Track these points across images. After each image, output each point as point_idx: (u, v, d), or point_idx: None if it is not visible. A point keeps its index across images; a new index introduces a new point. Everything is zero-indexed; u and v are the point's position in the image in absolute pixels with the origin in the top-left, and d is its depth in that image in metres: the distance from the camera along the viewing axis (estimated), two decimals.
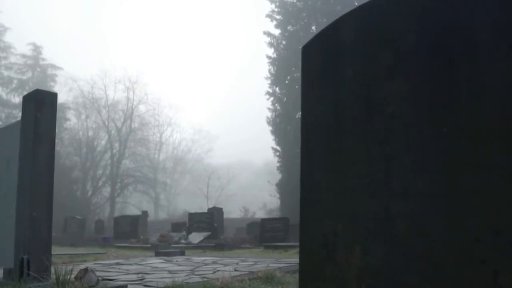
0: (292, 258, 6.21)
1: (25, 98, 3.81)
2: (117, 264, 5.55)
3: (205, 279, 3.62)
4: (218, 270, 4.44)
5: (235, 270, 4.36)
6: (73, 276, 3.01)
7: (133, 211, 30.42)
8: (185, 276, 4.02)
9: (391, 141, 1.32)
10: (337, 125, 1.50)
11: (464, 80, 1.14)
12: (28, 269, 3.11)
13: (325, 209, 1.52)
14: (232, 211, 28.97)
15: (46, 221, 3.50)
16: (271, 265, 4.88)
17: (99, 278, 3.24)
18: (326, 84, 1.57)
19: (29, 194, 3.55)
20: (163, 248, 9.51)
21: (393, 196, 1.30)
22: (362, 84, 1.42)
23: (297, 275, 4.16)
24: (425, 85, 1.23)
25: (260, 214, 28.23)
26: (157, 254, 7.27)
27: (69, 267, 3.17)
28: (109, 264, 5.48)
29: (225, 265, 5.09)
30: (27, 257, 3.16)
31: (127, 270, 4.74)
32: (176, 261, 5.81)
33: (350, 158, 1.44)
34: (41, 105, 3.63)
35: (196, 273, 4.29)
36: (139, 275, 4.16)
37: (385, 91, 1.34)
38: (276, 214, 24.99)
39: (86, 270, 3.08)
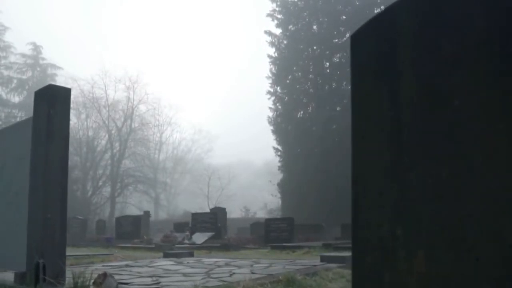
0: (305, 260, 6.09)
1: (37, 94, 3.66)
2: (127, 266, 5.41)
3: (225, 283, 3.49)
4: (234, 273, 4.31)
5: (252, 273, 4.23)
6: (90, 280, 2.87)
7: (133, 211, 30.28)
8: (202, 279, 3.89)
9: (458, 138, 1.19)
10: (395, 120, 1.37)
11: None
12: (44, 274, 2.98)
13: (382, 212, 1.39)
14: (233, 211, 28.86)
15: (60, 223, 3.37)
16: (287, 267, 4.76)
17: (118, 283, 3.10)
18: (381, 76, 1.43)
19: (42, 194, 3.41)
20: (167, 248, 9.37)
21: (461, 197, 1.17)
22: (423, 74, 1.28)
23: (317, 278, 4.04)
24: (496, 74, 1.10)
25: (261, 214, 28.14)
26: (166, 255, 7.12)
27: (88, 271, 3.04)
28: (119, 266, 5.34)
29: (239, 267, 4.96)
30: (42, 261, 3.02)
31: (139, 272, 4.60)
32: (187, 262, 5.66)
33: (411, 157, 1.31)
34: (54, 100, 3.49)
35: (212, 276, 4.15)
36: (154, 279, 4.03)
37: (451, 82, 1.21)
38: (277, 214, 24.88)
39: (105, 275, 2.94)
